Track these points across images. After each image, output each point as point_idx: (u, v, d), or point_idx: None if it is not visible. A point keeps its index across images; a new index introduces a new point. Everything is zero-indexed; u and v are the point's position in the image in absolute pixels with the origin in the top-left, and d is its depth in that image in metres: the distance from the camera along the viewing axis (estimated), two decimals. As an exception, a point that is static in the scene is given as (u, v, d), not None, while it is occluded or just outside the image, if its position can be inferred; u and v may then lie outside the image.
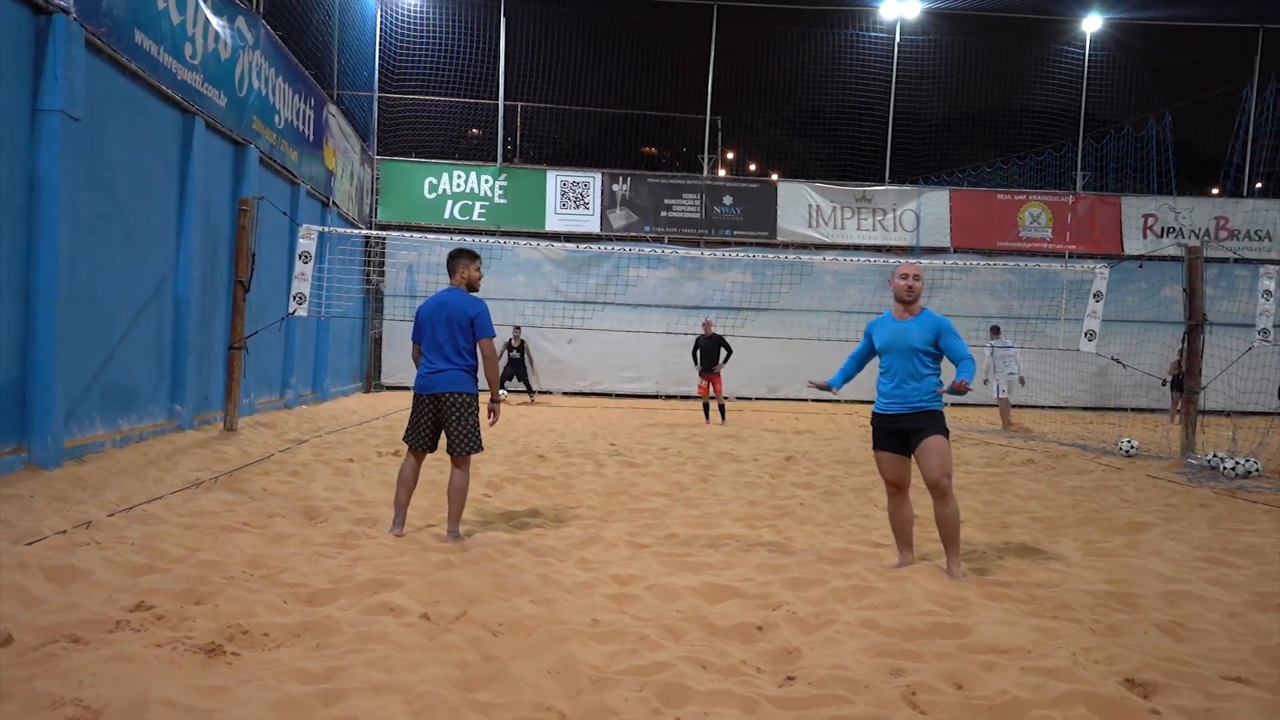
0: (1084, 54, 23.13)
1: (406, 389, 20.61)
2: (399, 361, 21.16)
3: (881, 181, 22.90)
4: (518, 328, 19.38)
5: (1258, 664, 3.84)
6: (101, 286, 8.69)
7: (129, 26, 8.75)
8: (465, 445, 5.78)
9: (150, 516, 5.94)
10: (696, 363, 15.59)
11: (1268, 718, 3.31)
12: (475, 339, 5.81)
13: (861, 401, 22.06)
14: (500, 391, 18.67)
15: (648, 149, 29.06)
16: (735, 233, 22.42)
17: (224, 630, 3.78)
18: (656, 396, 22.22)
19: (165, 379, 10.25)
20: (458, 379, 5.79)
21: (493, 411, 5.97)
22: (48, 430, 7.47)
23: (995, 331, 16.41)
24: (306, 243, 11.89)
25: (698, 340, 15.57)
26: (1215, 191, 24.88)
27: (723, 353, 15.32)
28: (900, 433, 5.33)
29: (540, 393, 21.33)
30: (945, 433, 5.27)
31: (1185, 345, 11.64)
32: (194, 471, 7.89)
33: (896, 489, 5.44)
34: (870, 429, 5.57)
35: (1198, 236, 22.38)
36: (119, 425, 9.11)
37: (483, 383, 5.94)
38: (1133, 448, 11.80)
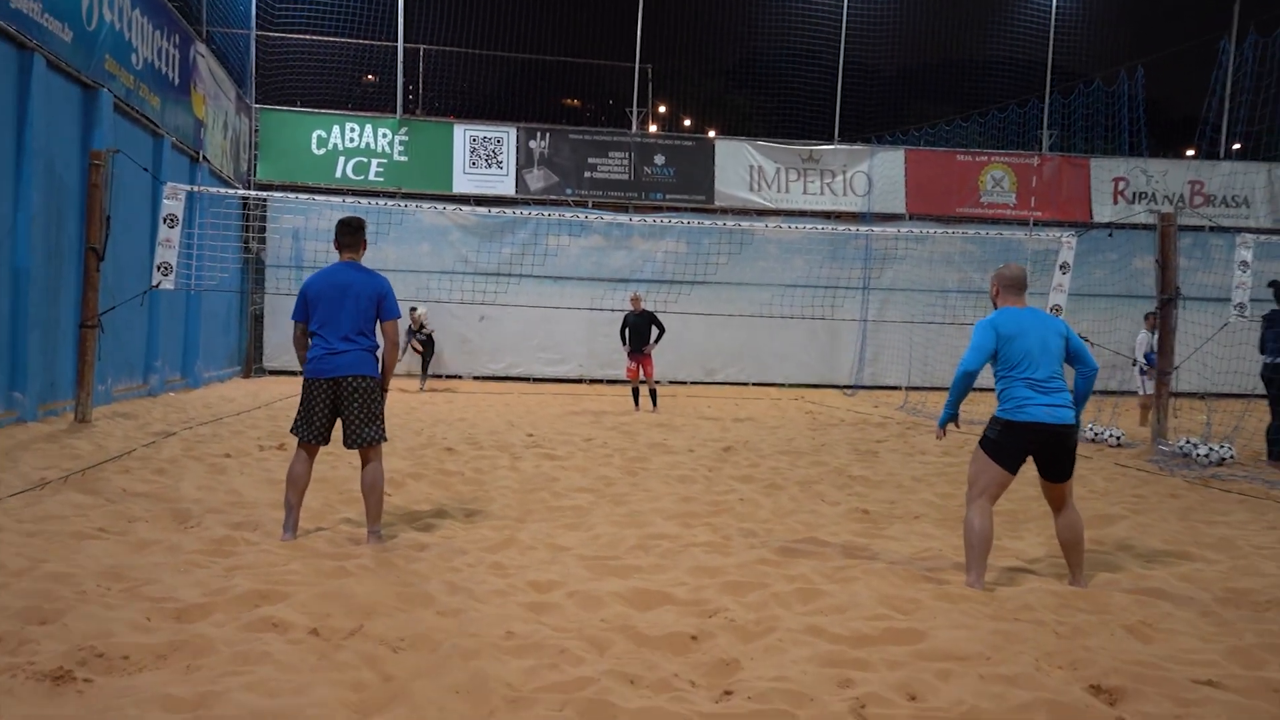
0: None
1: (293, 373, 20.25)
2: (284, 342, 20.71)
3: (830, 140, 23.15)
4: (412, 309, 18.78)
5: (1230, 666, 4.00)
6: (-76, 254, 8.36)
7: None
8: (369, 434, 5.78)
9: (-13, 523, 5.73)
10: (624, 343, 15.59)
11: (1239, 723, 3.46)
12: (379, 320, 5.85)
13: (805, 385, 22.38)
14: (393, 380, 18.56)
15: (569, 101, 28.91)
16: (668, 196, 22.46)
17: (74, 653, 3.67)
18: (580, 381, 22.23)
19: (2, 362, 9.92)
20: (361, 361, 5.78)
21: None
22: None
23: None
24: (172, 204, 11.60)
25: (626, 317, 15.57)
26: (1190, 153, 25.64)
27: (654, 331, 15.35)
28: None
29: (448, 377, 21.14)
30: (983, 440, 5.41)
31: (1156, 321, 12.03)
32: (38, 470, 7.65)
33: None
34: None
35: (1171, 202, 23.04)
36: (-52, 417, 8.79)
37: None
38: (1099, 435, 12.19)
